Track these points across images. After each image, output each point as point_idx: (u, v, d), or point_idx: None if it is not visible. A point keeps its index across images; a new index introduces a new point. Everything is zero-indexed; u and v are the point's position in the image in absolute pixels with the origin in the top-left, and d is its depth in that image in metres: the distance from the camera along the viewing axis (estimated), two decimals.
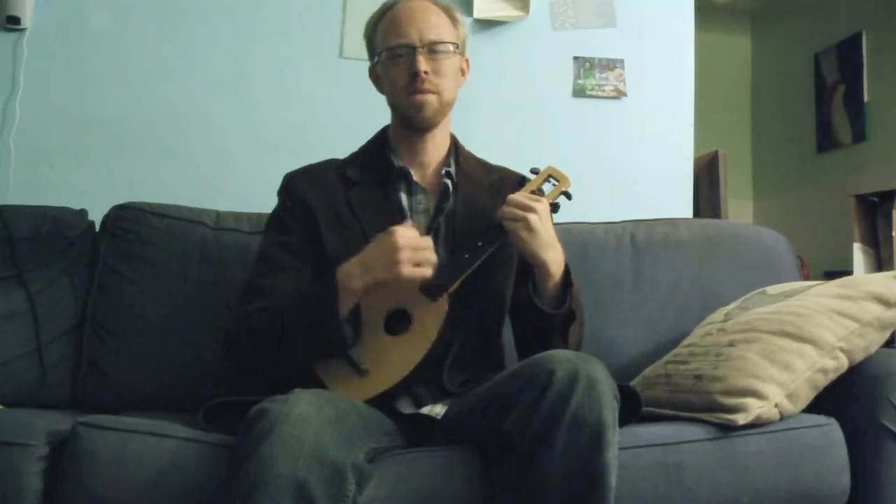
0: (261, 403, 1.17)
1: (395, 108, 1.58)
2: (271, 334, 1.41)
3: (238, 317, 1.48)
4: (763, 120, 4.51)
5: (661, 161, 2.55)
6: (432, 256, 1.39)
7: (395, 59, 1.52)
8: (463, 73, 1.61)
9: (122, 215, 1.93)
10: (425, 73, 1.50)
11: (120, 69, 2.33)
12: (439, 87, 1.53)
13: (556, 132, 2.49)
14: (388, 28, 1.55)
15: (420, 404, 1.46)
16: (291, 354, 1.40)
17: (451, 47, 1.55)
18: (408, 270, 1.36)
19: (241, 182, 2.31)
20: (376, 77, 1.61)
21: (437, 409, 1.44)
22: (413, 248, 1.37)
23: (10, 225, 1.86)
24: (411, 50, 1.51)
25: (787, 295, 1.66)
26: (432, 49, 1.52)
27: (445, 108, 1.57)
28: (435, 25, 1.54)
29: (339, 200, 1.56)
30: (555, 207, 1.53)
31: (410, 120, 1.55)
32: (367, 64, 1.63)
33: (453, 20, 1.58)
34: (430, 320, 1.43)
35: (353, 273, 1.38)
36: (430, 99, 1.52)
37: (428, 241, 1.41)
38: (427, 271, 1.39)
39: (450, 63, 1.55)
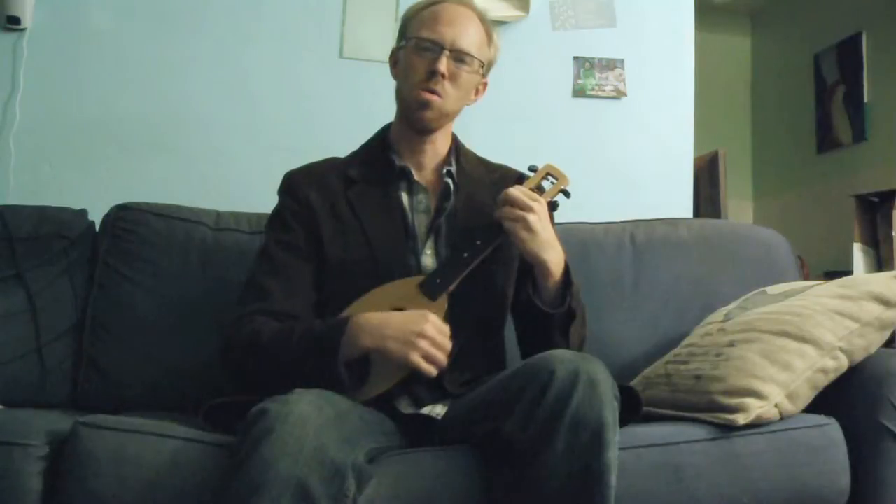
0: (261, 404, 1.17)
1: (401, 100, 1.58)
2: (271, 351, 1.40)
3: (238, 316, 1.47)
4: (763, 120, 4.51)
5: (661, 161, 2.55)
6: (443, 360, 1.36)
7: (420, 51, 1.53)
8: (477, 92, 1.62)
9: (122, 215, 1.93)
10: (442, 74, 1.50)
11: (120, 69, 2.33)
12: (448, 93, 1.53)
13: (556, 132, 2.50)
14: (426, 20, 1.55)
15: (420, 404, 1.46)
16: (286, 377, 1.39)
17: (476, 63, 1.55)
18: (417, 359, 1.34)
19: (241, 182, 2.31)
20: (395, 60, 1.61)
21: (438, 410, 1.44)
22: (435, 343, 1.36)
23: (10, 225, 1.86)
24: (439, 48, 1.51)
25: (787, 295, 1.66)
26: (459, 57, 1.53)
27: (445, 117, 1.57)
28: (470, 37, 1.54)
29: (339, 199, 1.56)
30: (554, 206, 1.53)
31: (411, 116, 1.55)
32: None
33: (489, 40, 1.59)
34: None
35: (368, 331, 1.36)
36: (436, 101, 1.52)
37: (447, 342, 1.37)
38: (432, 370, 1.36)
39: (468, 77, 1.55)
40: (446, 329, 1.38)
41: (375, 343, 1.36)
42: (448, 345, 1.37)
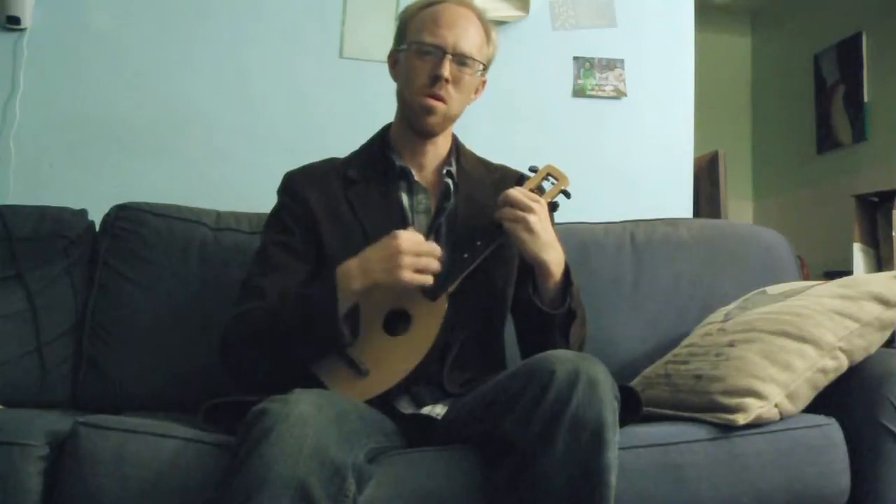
0: (261, 403, 1.17)
1: (403, 102, 1.58)
2: (268, 332, 1.41)
3: (234, 316, 1.47)
4: (763, 120, 4.51)
5: (661, 161, 2.55)
6: (434, 264, 1.38)
7: (422, 56, 1.52)
8: (476, 91, 1.61)
9: (122, 215, 1.93)
10: (446, 79, 1.50)
11: (120, 69, 2.33)
12: (452, 97, 1.53)
13: (556, 132, 2.50)
14: (426, 23, 1.54)
15: (420, 404, 1.46)
16: (288, 353, 1.40)
17: (478, 66, 1.55)
18: (408, 276, 1.35)
19: (241, 182, 2.31)
20: (394, 62, 1.61)
21: (438, 410, 1.44)
22: (416, 253, 1.36)
23: (10, 225, 1.86)
24: (441, 53, 1.51)
25: (787, 295, 1.66)
26: (461, 61, 1.52)
27: (448, 120, 1.57)
28: (471, 38, 1.54)
29: (339, 200, 1.56)
30: (554, 206, 1.53)
31: (415, 121, 1.55)
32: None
33: (489, 40, 1.58)
34: (430, 320, 1.43)
35: (353, 273, 1.37)
36: (440, 107, 1.52)
37: (432, 247, 1.39)
38: (428, 279, 1.38)
39: (470, 80, 1.55)
40: (419, 237, 1.39)
41: (366, 282, 1.36)
42: (428, 247, 1.38)
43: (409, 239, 1.37)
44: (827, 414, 1.48)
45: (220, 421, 1.36)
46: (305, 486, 1.09)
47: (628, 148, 2.53)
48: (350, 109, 2.36)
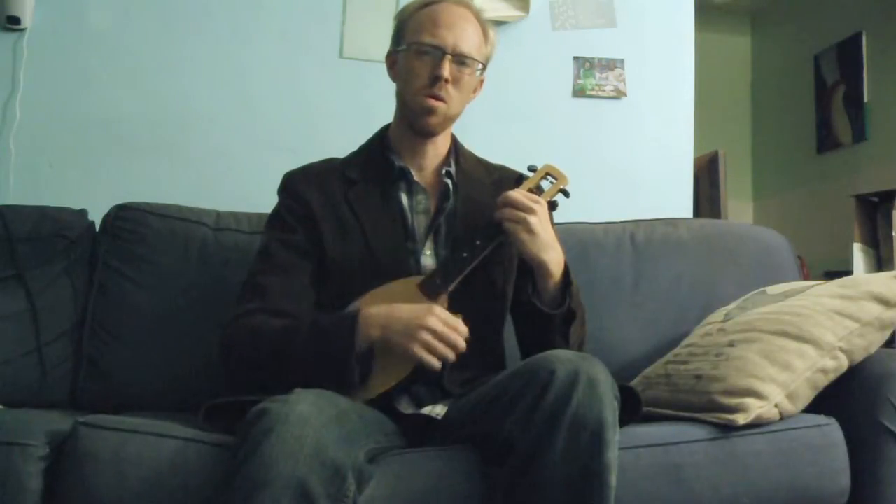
0: (261, 404, 1.17)
1: (403, 103, 1.58)
2: (275, 354, 1.40)
3: (236, 315, 1.47)
4: (763, 120, 4.51)
5: (661, 161, 2.55)
6: (448, 353, 1.35)
7: (421, 56, 1.52)
8: (475, 91, 1.61)
9: (122, 215, 1.93)
10: (446, 80, 1.50)
11: (120, 69, 2.33)
12: (452, 97, 1.53)
13: (556, 132, 2.50)
14: (424, 23, 1.53)
15: (420, 404, 1.46)
16: (290, 375, 1.38)
17: (477, 65, 1.55)
18: (418, 351, 1.33)
19: (241, 182, 2.31)
20: (393, 62, 1.61)
21: (438, 410, 1.44)
22: (438, 335, 1.34)
23: (10, 225, 1.86)
24: (441, 53, 1.51)
25: (787, 295, 1.66)
26: (460, 60, 1.52)
27: (449, 120, 1.57)
28: (470, 38, 1.54)
29: (338, 200, 1.56)
30: (553, 206, 1.53)
31: (415, 122, 1.55)
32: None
33: (486, 39, 1.58)
34: None
35: (375, 323, 1.36)
36: (441, 107, 1.52)
37: (454, 336, 1.35)
38: (436, 363, 1.35)
39: (469, 79, 1.55)
40: (455, 322, 1.36)
41: (381, 334, 1.36)
42: (455, 338, 1.35)
43: (441, 320, 1.35)
44: (827, 414, 1.49)
45: (220, 421, 1.35)
46: (305, 486, 1.09)
47: (628, 148, 2.53)
48: (350, 109, 2.36)
